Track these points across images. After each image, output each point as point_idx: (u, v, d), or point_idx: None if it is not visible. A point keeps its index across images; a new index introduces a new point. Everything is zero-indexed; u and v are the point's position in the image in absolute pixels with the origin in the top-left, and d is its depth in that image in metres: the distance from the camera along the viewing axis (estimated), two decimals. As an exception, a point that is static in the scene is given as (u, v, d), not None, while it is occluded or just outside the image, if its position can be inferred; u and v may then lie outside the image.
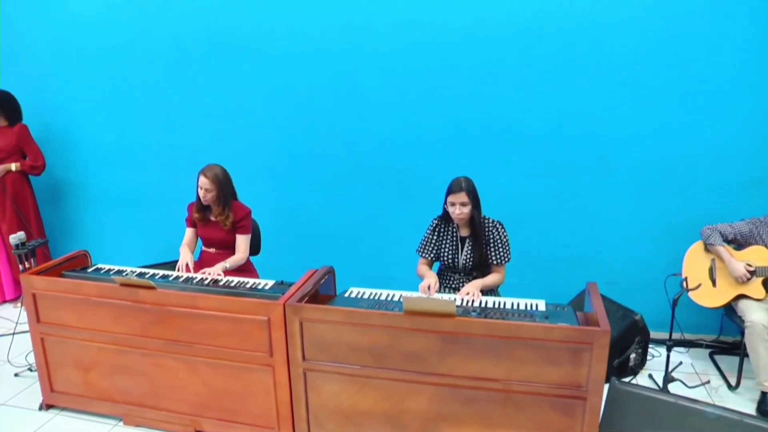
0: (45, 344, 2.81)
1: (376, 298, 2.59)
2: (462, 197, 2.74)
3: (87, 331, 2.70)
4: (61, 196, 4.51)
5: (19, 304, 4.19)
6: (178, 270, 2.99)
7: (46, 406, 2.92)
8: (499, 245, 2.85)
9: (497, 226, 2.87)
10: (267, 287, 2.67)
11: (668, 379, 2.99)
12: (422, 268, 2.92)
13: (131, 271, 2.89)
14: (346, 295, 2.65)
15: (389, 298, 2.59)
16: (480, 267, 2.89)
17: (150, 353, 2.62)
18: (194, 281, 2.79)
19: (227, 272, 3.01)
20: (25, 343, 3.44)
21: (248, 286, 2.70)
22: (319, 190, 3.95)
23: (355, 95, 3.75)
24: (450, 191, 2.78)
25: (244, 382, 2.52)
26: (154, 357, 2.62)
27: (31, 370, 3.24)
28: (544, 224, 3.70)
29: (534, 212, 3.68)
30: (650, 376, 3.25)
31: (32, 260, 2.90)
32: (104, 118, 4.22)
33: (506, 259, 2.87)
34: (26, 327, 2.85)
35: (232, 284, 2.73)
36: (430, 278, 2.73)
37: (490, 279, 2.84)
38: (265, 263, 3.41)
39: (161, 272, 2.93)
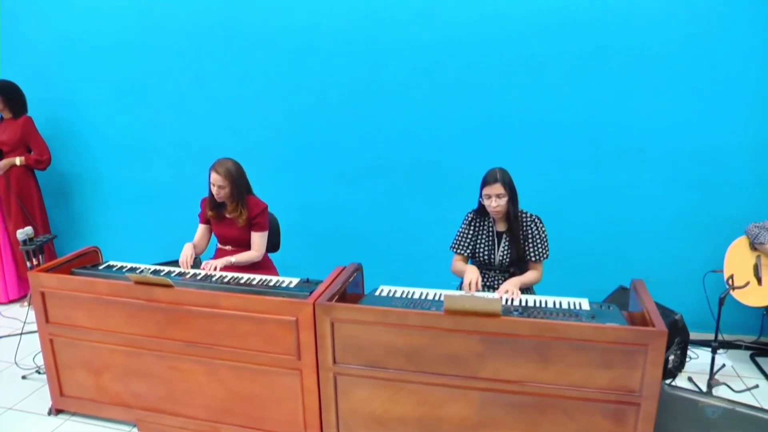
0: (54, 346, 2.65)
1: (409, 296, 2.43)
2: (498, 189, 2.58)
3: (99, 332, 2.54)
4: (67, 191, 4.35)
5: (25, 303, 4.02)
6: (181, 266, 2.82)
7: (56, 410, 2.76)
8: (538, 241, 2.70)
9: (535, 220, 2.72)
10: (292, 285, 2.51)
11: (713, 383, 2.83)
12: (459, 264, 2.76)
13: (145, 268, 2.73)
14: (377, 293, 2.48)
15: (423, 297, 2.43)
16: (517, 263, 2.73)
17: (166, 355, 2.46)
18: (213, 279, 2.62)
19: (244, 269, 2.83)
20: (32, 344, 3.28)
21: (271, 284, 2.54)
22: (339, 184, 3.78)
23: (378, 85, 3.58)
24: (485, 183, 2.62)
25: (269, 387, 2.35)
26: (170, 359, 2.46)
27: (39, 373, 3.07)
28: (577, 219, 3.53)
29: (566, 206, 3.52)
30: (690, 379, 3.08)
31: (40, 257, 2.74)
32: (114, 111, 4.07)
33: (544, 256, 2.72)
34: (34, 327, 2.68)
35: (254, 282, 2.57)
36: (473, 274, 2.56)
37: (528, 276, 2.68)
38: (283, 260, 3.24)
39: (177, 269, 2.77)
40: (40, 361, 3.12)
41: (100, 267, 2.79)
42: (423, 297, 2.43)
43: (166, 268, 2.78)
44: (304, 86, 3.69)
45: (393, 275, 3.06)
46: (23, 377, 3.08)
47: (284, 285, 2.51)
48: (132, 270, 2.73)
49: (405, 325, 2.14)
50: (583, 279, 3.55)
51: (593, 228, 3.53)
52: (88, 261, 2.86)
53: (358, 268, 2.60)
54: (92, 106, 4.10)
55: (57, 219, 4.29)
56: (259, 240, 2.94)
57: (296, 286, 2.49)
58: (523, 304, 2.39)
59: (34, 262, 2.74)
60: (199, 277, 2.65)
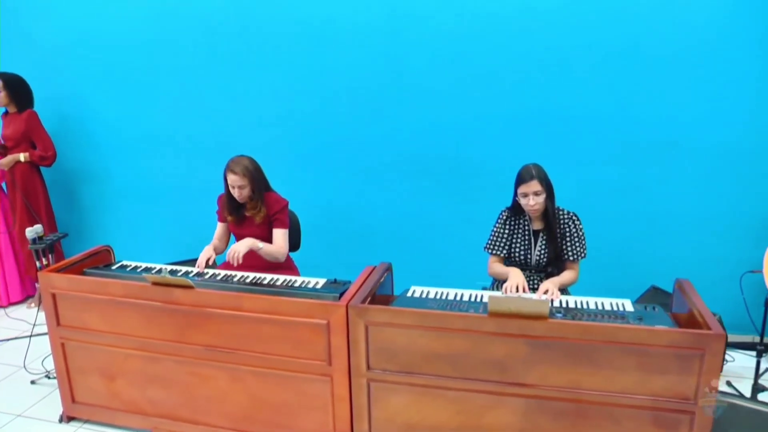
0: (66, 350, 2.51)
1: (444, 297, 2.29)
2: (535, 186, 2.45)
3: (113, 336, 2.40)
4: (75, 189, 4.20)
5: (32, 304, 3.88)
6: (198, 267, 2.65)
7: (67, 418, 2.62)
8: (576, 239, 2.57)
9: (573, 218, 2.59)
10: (318, 286, 2.37)
11: (758, 387, 2.70)
12: (497, 266, 2.62)
13: (162, 268, 2.58)
14: (409, 294, 2.35)
15: (458, 298, 2.29)
16: (555, 263, 2.60)
17: (186, 360, 2.32)
18: (234, 279, 2.48)
19: (265, 269, 2.69)
20: (40, 347, 3.14)
21: (296, 285, 2.40)
22: (361, 181, 3.63)
23: (401, 79, 3.43)
24: (521, 181, 2.48)
25: (296, 394, 2.21)
26: (190, 365, 2.32)
27: (48, 378, 2.93)
28: (605, 216, 3.39)
29: (595, 203, 3.37)
30: (729, 383, 2.94)
31: (50, 256, 2.59)
32: (124, 106, 3.91)
33: (582, 255, 2.59)
34: (42, 329, 2.54)
35: (278, 283, 2.43)
36: (517, 277, 2.43)
37: (566, 277, 2.55)
38: (303, 260, 3.10)
39: (195, 269, 2.63)
40: (49, 365, 2.99)
41: (113, 267, 2.65)
42: (458, 298, 2.30)
43: (183, 268, 2.64)
44: (323, 80, 3.53)
45: (417, 275, 2.91)
46: (32, 382, 2.94)
47: (310, 286, 2.37)
48: (147, 270, 2.58)
49: (446, 329, 2.01)
50: (611, 279, 3.41)
51: (622, 226, 3.39)
52: (100, 261, 2.72)
53: (389, 268, 2.47)
54: (101, 101, 3.94)
55: (64, 218, 4.14)
56: (281, 237, 2.79)
57: (323, 287, 2.35)
58: (564, 305, 2.26)
59: (44, 262, 2.59)
60: (218, 278, 2.51)
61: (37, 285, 3.89)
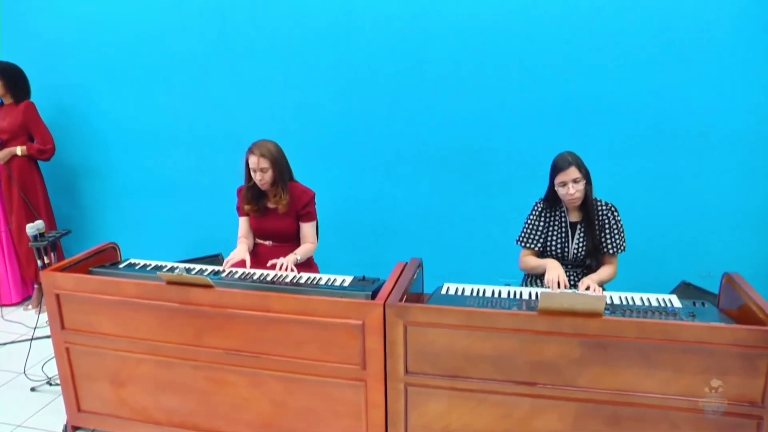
0: (71, 355, 2.32)
1: (482, 294, 2.13)
2: (573, 173, 2.32)
3: (124, 340, 2.22)
4: (75, 185, 4.00)
5: (29, 306, 3.67)
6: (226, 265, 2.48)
7: (72, 428, 2.43)
8: (615, 231, 2.43)
9: (612, 209, 2.45)
10: (346, 284, 2.20)
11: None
12: (531, 260, 2.47)
13: (174, 266, 2.40)
14: (443, 292, 2.19)
15: (497, 295, 2.14)
16: (593, 256, 2.46)
17: (204, 366, 2.14)
18: (252, 278, 2.30)
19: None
20: (41, 352, 2.96)
21: (322, 283, 2.23)
22: (381, 175, 3.47)
23: (422, 68, 3.28)
24: (558, 169, 2.35)
25: (326, 401, 2.04)
26: (209, 370, 2.14)
27: (50, 384, 2.75)
28: (634, 209, 3.23)
29: (622, 196, 3.19)
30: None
31: (53, 254, 2.40)
32: (128, 97, 3.72)
33: (622, 248, 2.45)
34: (41, 333, 2.35)
35: (302, 281, 2.25)
36: (556, 268, 2.29)
37: (605, 272, 2.41)
38: (319, 257, 2.93)
39: (210, 267, 2.45)
40: (50, 370, 2.81)
41: (121, 266, 2.46)
42: (497, 295, 2.15)
43: (197, 266, 2.47)
44: (339, 69, 3.36)
45: (438, 272, 2.77)
46: (32, 389, 2.75)
47: (337, 284, 2.20)
48: (158, 269, 2.40)
49: (493, 328, 1.85)
50: (638, 273, 3.27)
51: (650, 219, 3.26)
52: (106, 259, 2.53)
53: (420, 265, 2.30)
54: (103, 92, 3.74)
55: (63, 215, 3.94)
56: (311, 230, 2.62)
57: (351, 284, 2.18)
58: (610, 302, 2.11)
59: (46, 260, 2.40)
60: (237, 276, 2.33)
61: (36, 286, 3.68)
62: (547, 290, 2.09)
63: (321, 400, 2.05)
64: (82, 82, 3.78)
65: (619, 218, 2.46)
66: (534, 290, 2.19)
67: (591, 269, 2.51)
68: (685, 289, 3.16)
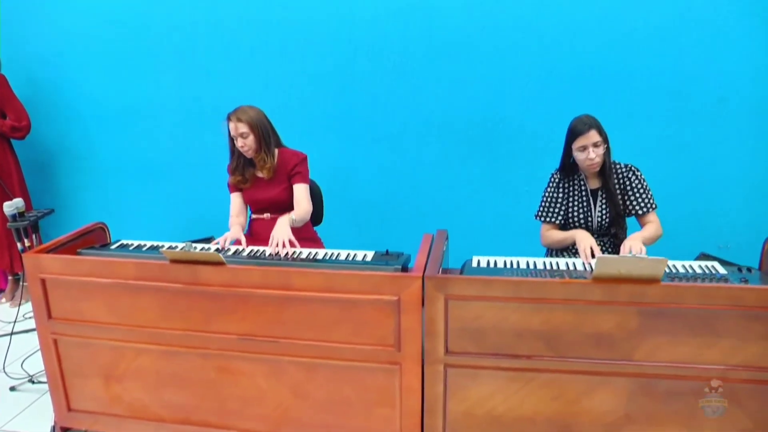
0: (59, 348, 2.07)
1: (516, 266, 1.96)
2: (594, 137, 2.19)
3: (121, 328, 1.98)
4: (52, 165, 3.67)
5: (3, 300, 3.34)
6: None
7: (61, 429, 2.18)
8: (641, 191, 2.31)
9: (632, 169, 2.34)
10: (368, 259, 1.99)
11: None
12: (555, 233, 2.33)
13: (174, 245, 2.14)
14: (474, 265, 2.00)
15: (532, 267, 1.96)
16: (618, 223, 2.33)
17: (214, 354, 1.92)
18: (266, 255, 2.08)
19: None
20: (19, 347, 2.68)
21: (342, 259, 2.01)
22: (385, 148, 3.26)
23: (429, 32, 3.07)
24: (576, 133, 2.21)
25: (355, 389, 1.84)
26: (219, 359, 1.92)
27: (32, 382, 2.48)
28: (649, 179, 3.13)
29: (638, 165, 3.11)
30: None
31: (34, 237, 2.13)
32: (109, 69, 3.41)
33: (653, 206, 2.32)
34: (20, 326, 2.08)
35: (320, 257, 2.04)
36: (587, 238, 2.14)
37: (650, 231, 2.27)
38: (323, 234, 2.72)
39: (213, 246, 2.22)
40: (31, 367, 2.54)
41: (112, 247, 2.21)
42: (532, 267, 1.97)
43: (198, 245, 2.23)
44: (339, 34, 3.13)
45: (451, 248, 2.60)
46: (11, 389, 2.48)
47: (359, 259, 1.99)
48: (153, 249, 2.16)
49: (543, 300, 1.68)
50: (653, 245, 3.17)
51: (666, 189, 3.13)
52: (94, 241, 2.28)
53: (447, 237, 2.11)
54: (81, 64, 3.42)
55: (40, 198, 3.61)
56: (303, 192, 2.41)
57: (375, 259, 1.98)
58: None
59: (26, 243, 2.12)
60: (246, 254, 2.10)
61: (10, 277, 3.34)
62: (602, 255, 1.92)
63: (349, 388, 1.85)
64: (56, 53, 3.45)
65: (642, 177, 2.34)
66: (571, 261, 2.04)
67: (617, 238, 2.37)
68: (705, 261, 3.07)
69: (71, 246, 2.14)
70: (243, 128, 2.30)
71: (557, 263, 2.00)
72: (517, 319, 1.70)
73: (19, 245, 2.14)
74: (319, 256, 2.05)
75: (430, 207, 3.29)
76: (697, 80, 2.97)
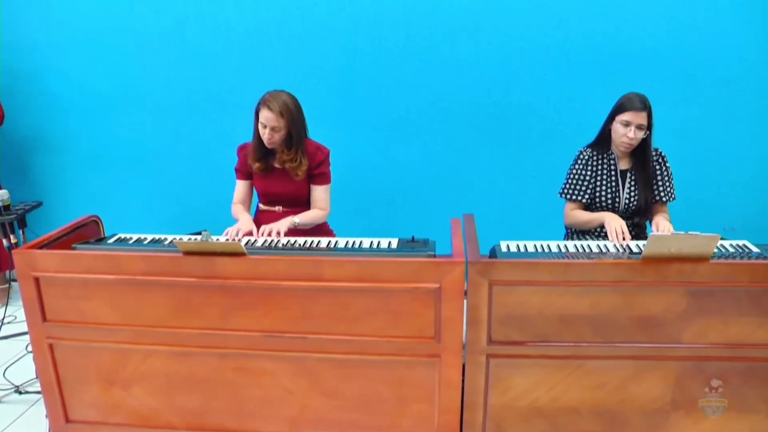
0: (55, 353, 1.87)
1: (547, 250, 1.87)
2: (642, 118, 2.13)
3: (126, 329, 1.80)
4: (30, 156, 3.40)
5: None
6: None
7: (58, 443, 1.98)
8: (667, 179, 2.29)
9: (661, 155, 2.30)
10: (393, 246, 1.87)
11: None
12: (580, 214, 2.26)
13: (179, 238, 1.97)
14: (504, 250, 1.90)
15: (563, 250, 1.87)
16: (644, 208, 2.28)
17: (233, 354, 1.77)
18: (280, 246, 1.94)
19: (294, 233, 2.16)
20: (2, 356, 2.45)
21: (365, 246, 1.89)
22: (388, 134, 3.13)
23: (434, 12, 2.94)
24: (627, 107, 2.14)
25: (390, 385, 1.73)
26: (240, 358, 1.77)
27: (19, 393, 2.27)
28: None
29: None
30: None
31: (20, 233, 1.92)
32: (90, 52, 3.16)
33: (672, 196, 2.28)
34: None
35: (341, 246, 1.91)
36: (616, 219, 2.07)
37: (668, 218, 2.22)
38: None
39: (224, 237, 2.06)
40: (15, 376, 2.32)
41: (110, 241, 2.02)
42: (563, 250, 1.88)
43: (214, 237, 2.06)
44: (342, 12, 2.97)
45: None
46: (-4, 401, 2.26)
47: (384, 247, 1.87)
48: (157, 242, 1.98)
49: (591, 282, 1.60)
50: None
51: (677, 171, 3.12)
52: (87, 235, 2.08)
53: (473, 220, 2.01)
54: (60, 48, 3.16)
55: (16, 193, 3.34)
56: (324, 195, 2.27)
57: (401, 246, 1.86)
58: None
59: (12, 239, 1.92)
60: (259, 245, 1.95)
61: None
62: (654, 233, 1.86)
63: (383, 385, 1.73)
64: (32, 35, 3.19)
65: (668, 164, 2.29)
66: (602, 243, 1.96)
67: (640, 225, 2.32)
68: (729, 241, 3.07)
69: (64, 241, 1.95)
70: (275, 121, 2.11)
71: (588, 246, 1.92)
72: (562, 304, 1.61)
73: (5, 241, 1.93)
74: (341, 245, 1.92)
75: (434, 193, 3.18)
76: (700, 61, 2.94)
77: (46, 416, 1.98)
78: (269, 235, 2.04)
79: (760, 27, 2.87)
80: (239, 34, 3.05)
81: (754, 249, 1.94)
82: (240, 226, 2.13)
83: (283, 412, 1.82)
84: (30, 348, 2.57)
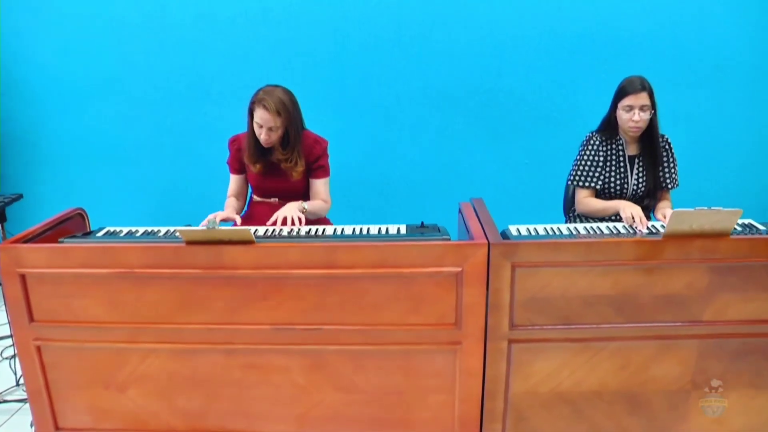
0: (43, 356, 1.74)
1: (558, 233, 1.83)
2: (643, 99, 2.12)
3: (122, 327, 1.68)
4: (6, 149, 3.20)
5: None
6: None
7: (47, 453, 1.84)
8: (672, 165, 2.28)
9: (668, 141, 2.29)
10: (403, 232, 1.80)
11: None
12: (595, 201, 2.24)
13: (176, 229, 1.85)
14: (515, 233, 1.86)
15: (573, 232, 1.84)
16: (652, 194, 2.28)
17: (241, 349, 1.67)
18: (284, 234, 1.84)
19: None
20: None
21: (374, 233, 1.81)
22: (378, 121, 3.08)
23: (429, 1, 2.90)
24: (626, 92, 2.14)
25: (408, 376, 1.66)
26: (248, 354, 1.68)
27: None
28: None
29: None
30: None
31: (1, 226, 1.78)
32: (66, 40, 3.00)
33: (676, 183, 2.29)
34: None
35: (348, 232, 1.83)
36: (632, 206, 2.05)
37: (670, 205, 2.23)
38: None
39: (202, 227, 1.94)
40: (-3, 385, 2.16)
41: (99, 234, 1.89)
42: (573, 232, 1.85)
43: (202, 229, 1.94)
44: (331, 3, 2.89)
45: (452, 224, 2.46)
46: (-27, 412, 2.10)
47: (393, 233, 1.79)
48: (151, 234, 1.86)
49: (614, 262, 1.57)
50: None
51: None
52: (73, 229, 1.94)
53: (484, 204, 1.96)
54: (33, 36, 3.00)
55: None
56: (324, 188, 2.20)
57: (410, 232, 1.78)
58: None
59: (-8, 234, 1.77)
60: (262, 234, 1.85)
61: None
62: (676, 210, 1.84)
63: (401, 376, 1.66)
64: (3, 25, 3.01)
65: (674, 152, 2.29)
66: (612, 224, 1.94)
67: (648, 208, 2.32)
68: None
69: (49, 236, 1.81)
70: (272, 121, 2.01)
71: (599, 227, 1.90)
72: (585, 285, 1.58)
73: (-16, 237, 1.78)
74: (348, 232, 1.84)
75: (426, 182, 3.14)
76: (690, 48, 2.97)
77: (32, 425, 1.84)
78: (284, 223, 1.91)
79: (754, 14, 2.91)
80: (223, 19, 2.94)
81: (761, 227, 1.94)
82: (220, 214, 2.04)
83: (294, 410, 1.73)
84: (6, 354, 2.43)
